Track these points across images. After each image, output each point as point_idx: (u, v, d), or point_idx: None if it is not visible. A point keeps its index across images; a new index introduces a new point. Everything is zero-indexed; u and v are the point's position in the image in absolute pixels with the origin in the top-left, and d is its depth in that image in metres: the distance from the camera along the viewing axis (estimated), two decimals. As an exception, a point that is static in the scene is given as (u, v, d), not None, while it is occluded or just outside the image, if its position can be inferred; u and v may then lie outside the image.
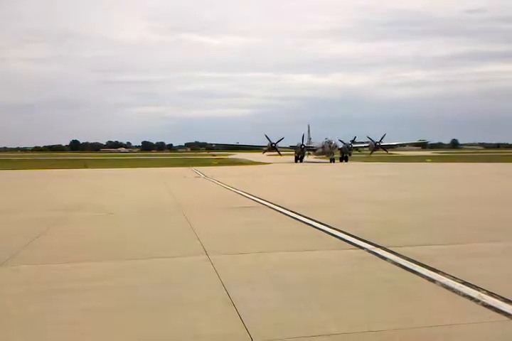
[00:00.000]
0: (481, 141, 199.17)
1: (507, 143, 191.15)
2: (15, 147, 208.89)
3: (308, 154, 61.01)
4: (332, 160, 53.99)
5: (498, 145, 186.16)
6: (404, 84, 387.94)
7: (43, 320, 4.32)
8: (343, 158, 57.51)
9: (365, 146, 64.37)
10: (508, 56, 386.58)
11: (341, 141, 57.69)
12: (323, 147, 56.92)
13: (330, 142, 55.92)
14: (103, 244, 7.67)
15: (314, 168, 41.27)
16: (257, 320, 4.23)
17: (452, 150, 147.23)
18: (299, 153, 57.93)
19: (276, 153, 61.86)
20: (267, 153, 67.21)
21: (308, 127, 67.81)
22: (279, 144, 59.54)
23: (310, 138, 63.60)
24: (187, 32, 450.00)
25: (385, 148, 63.36)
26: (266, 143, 59.40)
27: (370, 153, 64.42)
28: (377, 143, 59.99)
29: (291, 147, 60.21)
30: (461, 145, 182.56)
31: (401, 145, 71.38)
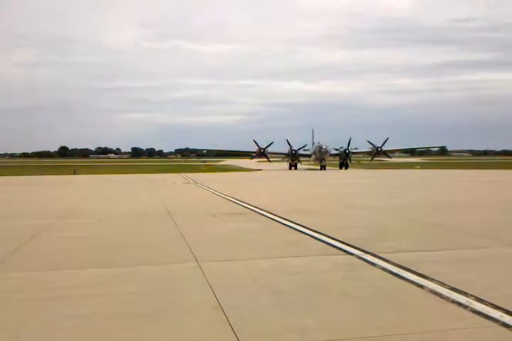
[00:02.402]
0: (469, 148, 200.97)
1: (494, 150, 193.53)
2: (3, 153, 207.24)
3: (308, 160, 57.33)
4: (322, 168, 50.10)
5: (485, 152, 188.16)
6: (393, 91, 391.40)
7: (34, 328, 4.27)
8: (343, 165, 53.84)
9: (358, 152, 59.89)
10: (495, 64, 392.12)
11: (341, 148, 54.11)
12: (314, 153, 53.28)
13: (320, 147, 51.98)
14: (92, 250, 7.62)
15: (305, 175, 41.35)
16: (247, 327, 4.22)
17: (441, 157, 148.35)
18: (293, 159, 54.41)
19: (267, 159, 58.69)
20: (255, 160, 63.79)
21: (313, 132, 62.65)
22: (271, 150, 56.45)
23: (314, 143, 59.13)
24: (178, 39, 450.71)
25: (388, 153, 59.09)
26: (256, 149, 56.00)
27: (371, 159, 59.81)
28: (379, 148, 55.56)
29: (282, 153, 56.89)
30: (450, 152, 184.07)
31: (390, 151, 69.17)
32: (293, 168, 54.29)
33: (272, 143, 55.86)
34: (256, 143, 55.69)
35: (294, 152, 54.28)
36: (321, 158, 51.68)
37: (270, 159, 60.50)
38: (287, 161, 55.95)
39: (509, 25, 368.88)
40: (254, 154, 57.79)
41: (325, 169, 49.59)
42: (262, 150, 55.62)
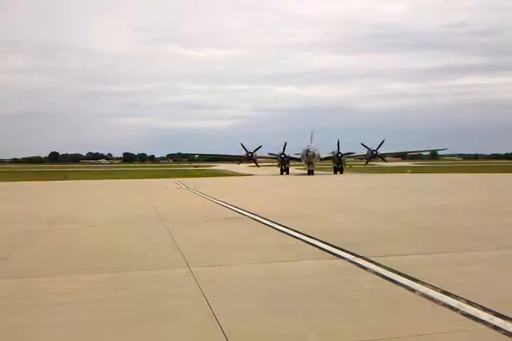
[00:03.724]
0: (460, 152, 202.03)
1: (484, 154, 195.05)
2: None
3: (301, 165, 54.94)
4: (310, 172, 47.83)
5: (475, 156, 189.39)
6: (385, 96, 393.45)
7: (26, 336, 4.24)
8: (338, 169, 51.59)
9: (351, 156, 55.92)
10: (485, 69, 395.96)
11: (333, 152, 51.50)
12: (302, 157, 51.09)
13: (307, 150, 49.51)
14: (83, 256, 7.58)
15: (294, 180, 41.39)
16: (239, 332, 4.21)
17: (432, 161, 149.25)
18: (284, 163, 52.00)
19: (255, 163, 55.63)
20: (246, 165, 60.46)
21: (312, 134, 58.83)
22: (260, 154, 54.20)
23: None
24: (171, 44, 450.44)
25: (383, 157, 55.55)
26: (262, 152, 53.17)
27: (366, 163, 57.33)
28: (375, 152, 52.61)
29: (271, 155, 54.33)
30: (441, 156, 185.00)
31: (384, 155, 65.25)
32: (284, 172, 52.04)
33: (260, 147, 53.05)
34: (243, 146, 53.15)
35: (283, 156, 51.81)
36: (308, 162, 49.40)
37: (261, 163, 58.20)
38: (277, 166, 53.66)
39: (500, 29, 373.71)
40: (242, 158, 55.11)
41: (312, 174, 47.38)
42: (249, 155, 53.05)
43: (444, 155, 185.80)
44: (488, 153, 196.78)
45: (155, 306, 4.96)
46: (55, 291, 5.58)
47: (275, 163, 55.35)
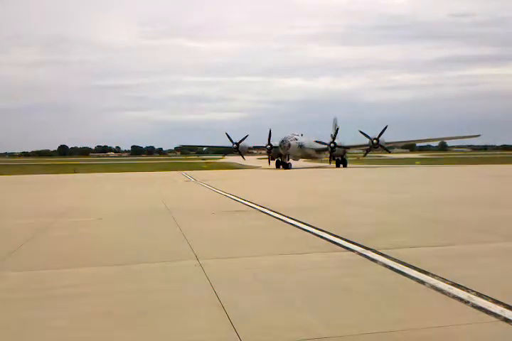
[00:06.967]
0: (469, 143, 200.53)
1: (494, 145, 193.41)
2: (3, 152, 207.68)
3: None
4: (285, 166, 41.74)
5: (485, 148, 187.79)
6: (392, 87, 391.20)
7: (33, 327, 4.26)
8: (341, 162, 45.18)
9: (349, 146, 47.27)
10: (494, 59, 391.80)
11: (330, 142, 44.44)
12: (279, 147, 43.88)
13: (282, 140, 42.69)
14: (92, 249, 7.61)
15: (294, 173, 41.29)
16: (248, 324, 4.20)
17: (440, 152, 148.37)
18: (278, 155, 45.06)
19: (241, 155, 48.52)
20: (228, 157, 55.09)
21: (335, 121, 51.17)
22: (256, 145, 48.35)
23: (331, 135, 47.71)
24: (177, 36, 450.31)
25: (387, 147, 46.27)
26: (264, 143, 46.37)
27: (364, 155, 49.24)
28: (376, 140, 43.65)
29: (257, 147, 47.74)
30: (450, 147, 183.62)
31: (390, 144, 57.64)
32: (281, 166, 44.68)
33: (246, 137, 46.76)
34: (229, 137, 47.06)
35: (269, 147, 45.36)
36: (285, 154, 42.88)
37: (259, 155, 53.81)
38: (271, 158, 47.14)
39: (508, 20, 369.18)
40: (227, 150, 50.15)
41: (288, 168, 41.37)
42: (235, 146, 46.85)
43: (452, 147, 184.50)
44: (498, 144, 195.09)
45: (163, 298, 4.96)
46: (61, 284, 5.59)
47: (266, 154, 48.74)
